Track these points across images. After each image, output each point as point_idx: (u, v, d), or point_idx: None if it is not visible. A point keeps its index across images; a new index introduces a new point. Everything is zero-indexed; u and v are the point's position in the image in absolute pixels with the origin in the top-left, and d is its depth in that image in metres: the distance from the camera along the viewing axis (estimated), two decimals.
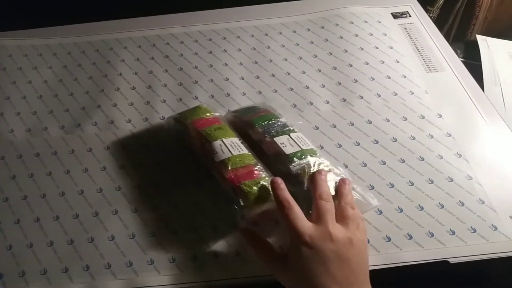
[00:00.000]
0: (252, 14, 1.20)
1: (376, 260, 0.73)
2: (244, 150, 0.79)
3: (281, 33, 1.14)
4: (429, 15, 1.18)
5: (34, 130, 0.95)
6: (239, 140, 0.82)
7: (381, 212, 0.79)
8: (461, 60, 1.05)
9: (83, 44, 1.14)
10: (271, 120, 0.85)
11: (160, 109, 0.97)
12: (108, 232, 0.79)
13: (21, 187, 0.86)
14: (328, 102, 0.97)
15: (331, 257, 0.63)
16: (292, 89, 1.00)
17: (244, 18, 1.19)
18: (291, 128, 0.84)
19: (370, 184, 0.82)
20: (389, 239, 0.75)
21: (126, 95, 1.01)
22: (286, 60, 1.07)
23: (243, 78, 1.03)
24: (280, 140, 0.80)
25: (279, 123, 0.84)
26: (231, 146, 0.79)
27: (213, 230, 0.78)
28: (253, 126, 0.85)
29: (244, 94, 0.99)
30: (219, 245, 0.77)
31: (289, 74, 1.03)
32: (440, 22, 1.41)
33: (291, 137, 0.81)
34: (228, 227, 0.78)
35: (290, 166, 0.76)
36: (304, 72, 1.04)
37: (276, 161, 0.78)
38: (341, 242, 0.64)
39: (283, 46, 1.10)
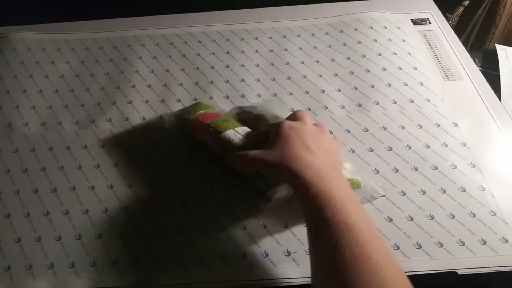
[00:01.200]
0: (272, 15, 1.20)
1: None
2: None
3: (299, 36, 1.13)
4: (448, 22, 1.16)
5: (49, 124, 0.95)
6: (249, 129, 0.83)
7: (391, 220, 0.78)
8: (479, 69, 1.04)
9: (101, 40, 1.15)
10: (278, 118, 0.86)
11: (175, 108, 0.97)
12: (117, 229, 0.79)
13: (33, 181, 0.86)
14: (343, 107, 0.96)
15: (305, 133, 0.71)
16: (307, 93, 0.99)
17: (263, 19, 1.19)
18: None
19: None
20: (398, 248, 0.74)
21: (142, 93, 1.01)
22: (303, 63, 1.06)
23: (259, 80, 1.03)
24: None
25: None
26: (242, 133, 0.80)
27: (221, 230, 0.78)
28: (264, 120, 0.85)
29: (259, 95, 0.99)
30: (227, 246, 0.76)
31: (305, 77, 1.03)
32: (458, 30, 1.40)
33: None
34: (236, 229, 0.78)
35: None
36: (321, 76, 1.03)
37: None
38: (314, 128, 0.75)
39: (301, 49, 1.10)
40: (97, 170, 0.87)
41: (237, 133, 0.80)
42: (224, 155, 0.79)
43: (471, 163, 0.85)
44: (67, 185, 0.85)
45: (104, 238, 0.78)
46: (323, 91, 1.00)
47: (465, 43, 1.42)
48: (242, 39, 1.13)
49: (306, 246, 0.75)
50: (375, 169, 0.85)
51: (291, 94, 0.99)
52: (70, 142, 0.92)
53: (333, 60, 1.06)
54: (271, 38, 1.13)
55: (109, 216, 0.80)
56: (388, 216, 0.78)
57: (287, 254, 0.75)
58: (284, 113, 0.84)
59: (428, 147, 0.88)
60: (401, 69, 1.03)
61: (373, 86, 1.00)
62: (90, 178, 0.86)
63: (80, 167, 0.88)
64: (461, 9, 1.39)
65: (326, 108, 0.96)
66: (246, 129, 0.82)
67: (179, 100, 0.99)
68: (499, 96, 1.00)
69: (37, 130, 0.94)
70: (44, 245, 0.77)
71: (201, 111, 0.87)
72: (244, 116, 0.89)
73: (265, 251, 0.75)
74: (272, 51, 1.10)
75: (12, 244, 0.78)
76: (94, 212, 0.81)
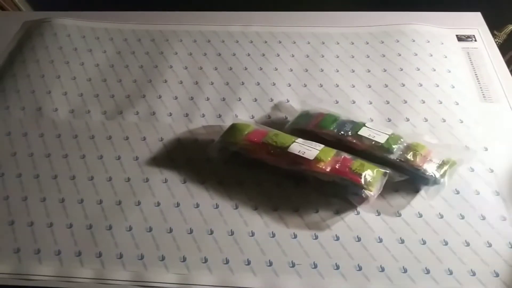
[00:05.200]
0: (313, 20, 1.19)
1: None
2: (320, 145, 0.82)
3: (338, 43, 1.11)
4: (494, 40, 1.12)
5: (77, 112, 0.97)
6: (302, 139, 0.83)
7: (403, 242, 0.76)
8: None
9: (140, 32, 1.16)
10: (337, 120, 0.87)
11: (202, 107, 0.98)
12: (127, 222, 0.79)
13: (54, 166, 0.88)
14: (371, 120, 0.94)
15: None
16: (337, 102, 0.98)
17: (303, 23, 1.17)
18: (360, 122, 0.86)
19: (397, 211, 0.80)
20: (405, 271, 0.73)
21: (172, 88, 1.02)
22: (337, 71, 1.04)
23: (289, 85, 1.02)
24: (364, 133, 0.84)
25: (345, 119, 0.87)
26: (308, 144, 0.81)
27: (230, 234, 0.78)
28: (325, 129, 0.86)
29: (288, 101, 0.98)
30: (232, 251, 0.76)
31: (337, 86, 1.01)
32: (504, 49, 1.34)
33: (369, 127, 0.85)
34: (244, 235, 0.78)
35: (392, 154, 0.81)
36: (354, 86, 1.01)
37: (374, 152, 0.82)
38: None
39: (338, 56, 1.08)
40: (117, 162, 0.88)
41: (303, 145, 0.81)
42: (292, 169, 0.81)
43: (495, 190, 0.82)
44: (86, 174, 0.86)
45: (113, 230, 0.79)
46: (354, 102, 0.98)
47: (509, 63, 1.36)
48: (280, 42, 1.12)
49: (311, 259, 0.74)
50: (396, 188, 0.82)
51: (321, 101, 0.97)
52: (95, 132, 0.93)
53: (369, 71, 1.04)
54: (309, 43, 1.12)
55: (122, 208, 0.81)
56: (400, 237, 0.76)
57: (291, 265, 0.74)
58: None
59: None
60: (438, 86, 1.00)
61: (406, 102, 0.97)
62: (109, 169, 0.87)
63: (101, 157, 0.89)
64: (511, 27, 1.33)
65: None
66: (302, 140, 0.82)
67: (207, 99, 0.99)
68: None
69: (65, 116, 0.96)
70: (54, 231, 0.79)
71: (246, 132, 0.86)
72: (301, 129, 0.89)
73: (269, 260, 0.75)
74: (308, 56, 1.08)
75: (25, 228, 0.79)
76: (108, 203, 0.82)
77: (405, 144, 0.82)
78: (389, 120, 0.94)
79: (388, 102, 0.98)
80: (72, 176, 0.86)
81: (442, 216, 0.79)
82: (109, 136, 0.92)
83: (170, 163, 0.88)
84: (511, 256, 0.74)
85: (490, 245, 0.75)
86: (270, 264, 0.74)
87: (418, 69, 1.04)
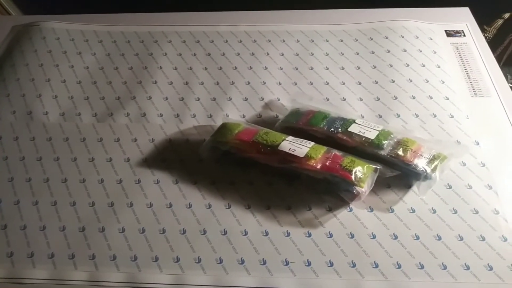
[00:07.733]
0: (301, 18, 1.19)
1: (382, 287, 0.71)
2: (310, 142, 0.81)
3: (327, 41, 1.12)
4: (484, 35, 1.12)
5: (68, 115, 0.97)
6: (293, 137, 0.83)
7: (396, 237, 0.76)
8: (510, 86, 1.00)
9: (129, 34, 1.16)
10: (327, 117, 0.87)
11: (193, 107, 0.98)
12: (120, 224, 0.79)
13: (45, 170, 0.87)
14: (362, 117, 0.94)
15: None
16: (328, 100, 0.98)
17: (292, 22, 1.18)
18: (351, 118, 0.86)
19: (390, 207, 0.80)
20: (399, 266, 0.73)
21: (162, 89, 1.02)
22: (327, 69, 1.05)
23: (280, 84, 1.02)
24: (354, 129, 0.84)
25: (335, 116, 0.88)
26: (298, 142, 0.81)
27: (223, 234, 0.78)
28: (315, 126, 0.86)
29: (278, 99, 0.98)
30: (225, 250, 0.76)
31: (327, 83, 1.01)
32: (494, 43, 1.35)
33: (359, 124, 0.85)
34: (237, 234, 0.78)
35: (383, 150, 0.81)
36: (344, 84, 1.01)
37: (364, 149, 0.83)
38: None
39: (327, 54, 1.08)
40: (108, 164, 0.88)
41: (293, 142, 0.81)
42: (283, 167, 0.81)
43: (487, 184, 0.83)
44: (77, 177, 0.86)
45: (106, 232, 0.78)
46: (344, 99, 0.98)
47: (499, 58, 1.37)
48: (269, 41, 1.12)
49: (305, 256, 0.74)
50: (387, 184, 0.83)
51: (311, 99, 0.97)
52: (86, 134, 0.93)
53: (359, 68, 1.05)
54: (298, 41, 1.12)
55: (114, 210, 0.81)
56: (393, 233, 0.76)
57: (285, 264, 0.74)
58: None
59: None
60: (427, 81, 1.01)
61: (396, 98, 0.98)
62: (101, 171, 0.87)
63: (93, 160, 0.89)
64: (500, 22, 1.34)
65: None
66: (292, 138, 0.82)
67: (198, 99, 0.99)
68: None
69: (55, 120, 0.96)
70: (47, 234, 0.79)
71: (237, 131, 0.86)
72: (291, 127, 0.89)
73: (263, 259, 0.75)
74: (297, 55, 1.09)
75: (18, 231, 0.79)
76: (100, 205, 0.82)
77: (395, 140, 0.82)
78: (380, 116, 0.94)
79: (378, 99, 0.98)
80: (64, 179, 0.86)
81: (434, 211, 0.79)
82: (100, 138, 0.92)
83: (162, 164, 0.88)
84: (504, 249, 0.74)
85: (483, 239, 0.75)
86: (264, 262, 0.74)
87: (408, 65, 1.05)
